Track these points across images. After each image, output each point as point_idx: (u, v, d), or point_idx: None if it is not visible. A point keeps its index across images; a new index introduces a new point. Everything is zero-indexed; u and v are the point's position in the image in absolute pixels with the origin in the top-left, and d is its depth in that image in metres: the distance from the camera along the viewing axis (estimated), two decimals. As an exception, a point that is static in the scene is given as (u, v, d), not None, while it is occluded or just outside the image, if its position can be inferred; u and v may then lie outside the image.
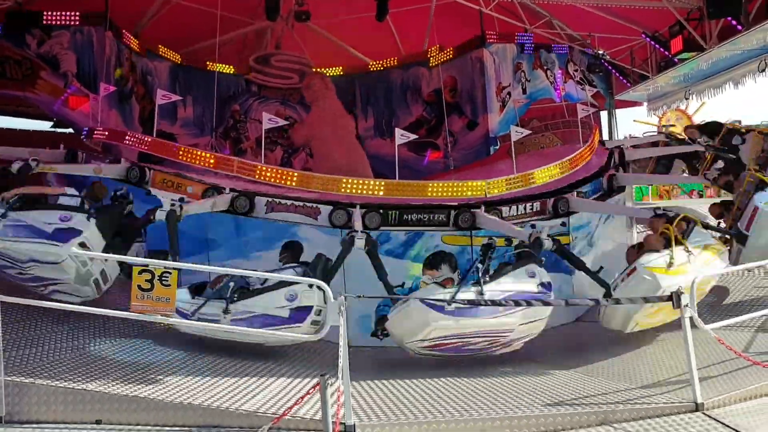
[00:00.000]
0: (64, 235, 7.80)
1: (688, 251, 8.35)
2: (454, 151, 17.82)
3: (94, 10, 14.28)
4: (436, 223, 10.52)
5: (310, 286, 7.56)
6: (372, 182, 10.57)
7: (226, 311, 7.59)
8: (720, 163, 12.70)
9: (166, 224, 8.44)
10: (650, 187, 21.13)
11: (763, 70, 14.24)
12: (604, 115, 20.72)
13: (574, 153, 11.83)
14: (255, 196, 10.13)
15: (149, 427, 5.66)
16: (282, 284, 7.81)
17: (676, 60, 15.32)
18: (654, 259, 8.19)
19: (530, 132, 13.39)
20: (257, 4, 17.18)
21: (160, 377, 6.30)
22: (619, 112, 21.04)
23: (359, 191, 10.40)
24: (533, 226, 9.21)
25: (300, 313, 7.69)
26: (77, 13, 14.08)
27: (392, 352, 8.58)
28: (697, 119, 24.35)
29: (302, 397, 5.17)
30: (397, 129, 10.92)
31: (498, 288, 7.88)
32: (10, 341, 6.59)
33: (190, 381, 6.32)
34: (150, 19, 16.85)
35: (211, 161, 11.09)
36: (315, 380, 5.13)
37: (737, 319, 7.23)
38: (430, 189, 10.39)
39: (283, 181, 10.48)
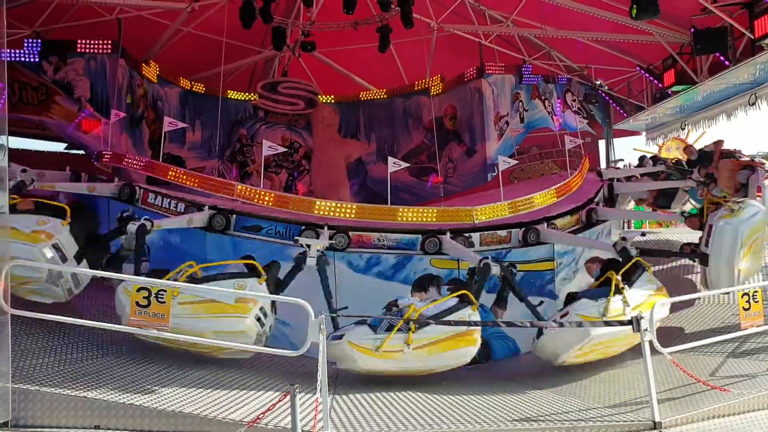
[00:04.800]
0: None
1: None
2: (454, 177, 18.38)
3: (108, 38, 15.05)
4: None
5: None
6: (344, 205, 11.22)
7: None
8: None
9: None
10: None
11: (753, 104, 14.69)
12: (602, 143, 21.19)
13: (559, 183, 12.29)
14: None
15: (142, 433, 6.13)
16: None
17: (669, 92, 15.79)
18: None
19: (517, 162, 13.89)
20: (265, 34, 17.86)
21: (155, 388, 6.76)
22: (619, 141, 21.58)
23: (332, 213, 11.04)
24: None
25: None
26: (109, 41, 14.98)
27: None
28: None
29: (273, 405, 5.64)
30: (390, 158, 11.45)
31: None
32: (18, 352, 7.08)
33: (182, 392, 6.78)
34: (162, 47, 17.53)
35: (195, 181, 11.86)
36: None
37: (694, 344, 7.60)
38: (400, 214, 10.93)
39: (258, 201, 11.24)
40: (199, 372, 7.60)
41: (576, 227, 12.41)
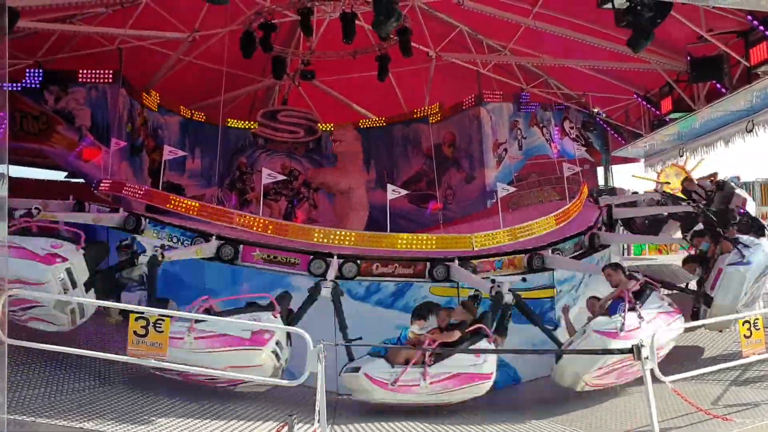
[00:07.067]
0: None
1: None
2: (453, 204, 18.42)
3: (110, 68, 15.18)
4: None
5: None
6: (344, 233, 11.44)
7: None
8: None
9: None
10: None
11: (751, 131, 14.72)
12: (600, 170, 21.23)
13: (558, 210, 12.30)
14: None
15: (139, 465, 6.06)
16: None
17: (667, 119, 15.85)
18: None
19: (516, 189, 13.91)
20: (265, 63, 18.00)
21: (152, 418, 6.71)
22: (617, 167, 21.61)
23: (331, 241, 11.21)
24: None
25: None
26: (110, 71, 15.20)
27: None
28: (696, 175, 24.69)
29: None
30: (389, 185, 11.47)
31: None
32: (14, 382, 7.02)
33: (179, 422, 6.73)
34: (163, 76, 17.64)
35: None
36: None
37: (695, 372, 7.55)
38: (399, 241, 11.20)
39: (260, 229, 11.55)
40: (197, 403, 7.53)
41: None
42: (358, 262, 10.78)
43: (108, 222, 11.34)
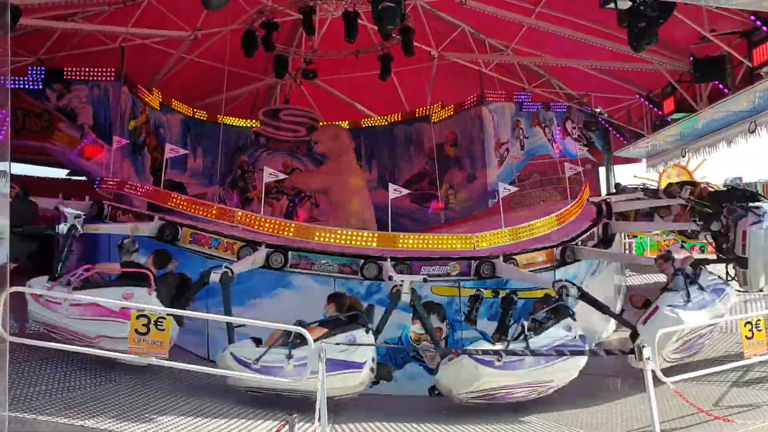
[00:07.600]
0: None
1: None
2: (454, 203, 18.43)
3: (112, 66, 15.21)
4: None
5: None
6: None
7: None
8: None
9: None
10: (648, 241, 21.40)
11: (753, 131, 14.70)
12: (602, 170, 21.25)
13: (561, 209, 12.31)
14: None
15: (141, 463, 6.05)
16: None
17: (669, 119, 15.84)
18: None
19: (517, 188, 13.90)
20: (267, 61, 18.02)
21: (153, 416, 6.70)
22: (620, 167, 21.63)
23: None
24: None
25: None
26: (112, 69, 15.30)
27: (379, 398, 8.94)
28: (698, 175, 24.72)
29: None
30: (390, 184, 11.46)
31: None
32: (15, 380, 7.02)
33: (180, 420, 6.71)
34: (165, 75, 17.66)
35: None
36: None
37: (697, 373, 7.53)
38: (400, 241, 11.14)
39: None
40: (198, 400, 7.53)
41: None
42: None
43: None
